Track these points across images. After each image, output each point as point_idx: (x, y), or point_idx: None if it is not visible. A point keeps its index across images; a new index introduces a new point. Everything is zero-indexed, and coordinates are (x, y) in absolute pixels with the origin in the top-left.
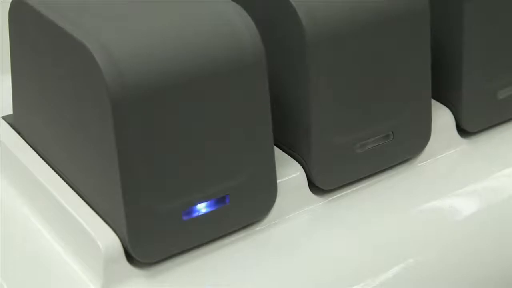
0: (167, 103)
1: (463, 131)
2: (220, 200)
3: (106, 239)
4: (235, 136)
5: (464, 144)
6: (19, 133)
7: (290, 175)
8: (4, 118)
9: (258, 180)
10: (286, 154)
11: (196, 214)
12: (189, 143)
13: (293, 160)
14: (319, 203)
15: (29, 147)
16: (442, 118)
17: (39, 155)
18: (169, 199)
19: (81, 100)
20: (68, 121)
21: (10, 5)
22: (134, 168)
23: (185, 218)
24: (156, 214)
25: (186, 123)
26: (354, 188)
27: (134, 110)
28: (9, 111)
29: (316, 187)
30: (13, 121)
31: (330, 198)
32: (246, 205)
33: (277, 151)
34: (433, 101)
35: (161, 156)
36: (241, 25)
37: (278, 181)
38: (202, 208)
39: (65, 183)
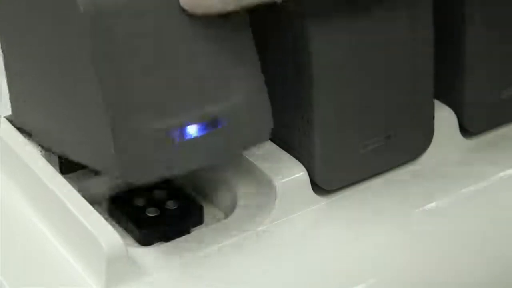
0: (148, 19)
1: (466, 132)
2: (212, 124)
3: (109, 238)
4: (223, 59)
5: (467, 145)
6: (18, 129)
7: (293, 175)
8: (6, 118)
9: (251, 105)
10: (288, 154)
11: (188, 137)
12: (173, 64)
13: (296, 160)
14: (321, 203)
15: (30, 144)
16: (445, 119)
17: (41, 149)
18: (159, 120)
19: (64, 44)
20: (57, 72)
21: None
22: (119, 90)
23: (177, 140)
24: (146, 136)
25: (168, 41)
26: (357, 189)
27: (112, 27)
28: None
29: (319, 187)
30: (13, 117)
31: (332, 199)
32: (240, 130)
33: (280, 152)
34: (435, 102)
35: (145, 76)
36: None
37: (280, 181)
38: (193, 131)
39: (66, 183)
